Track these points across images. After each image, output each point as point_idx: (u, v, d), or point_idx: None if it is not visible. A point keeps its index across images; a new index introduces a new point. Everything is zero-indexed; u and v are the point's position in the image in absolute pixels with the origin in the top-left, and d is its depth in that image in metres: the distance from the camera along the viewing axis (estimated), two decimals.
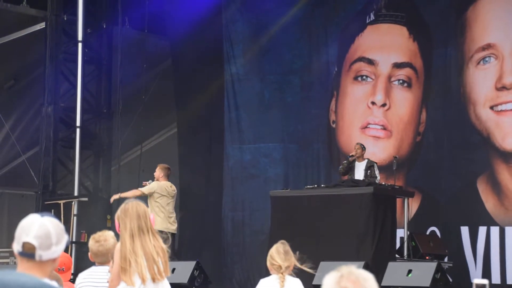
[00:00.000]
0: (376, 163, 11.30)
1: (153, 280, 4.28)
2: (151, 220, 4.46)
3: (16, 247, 2.83)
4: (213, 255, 13.38)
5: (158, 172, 10.96)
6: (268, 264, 5.59)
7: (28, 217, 2.87)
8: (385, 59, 13.10)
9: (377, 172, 11.12)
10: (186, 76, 14.50)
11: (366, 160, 11.34)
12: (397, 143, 12.82)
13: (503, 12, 12.07)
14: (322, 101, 13.61)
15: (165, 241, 4.47)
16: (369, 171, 11.10)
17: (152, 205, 10.71)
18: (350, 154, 11.49)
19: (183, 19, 14.33)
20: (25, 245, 2.79)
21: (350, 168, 11.30)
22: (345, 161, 11.42)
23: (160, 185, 10.84)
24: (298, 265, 5.63)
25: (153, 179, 11.02)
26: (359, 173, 11.17)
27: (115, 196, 10.92)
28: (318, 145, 13.53)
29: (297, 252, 5.68)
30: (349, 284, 2.33)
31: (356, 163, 11.33)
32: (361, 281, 2.31)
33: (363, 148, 11.44)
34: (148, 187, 10.84)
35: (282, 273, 5.51)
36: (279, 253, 5.54)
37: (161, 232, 10.43)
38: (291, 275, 5.62)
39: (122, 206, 4.48)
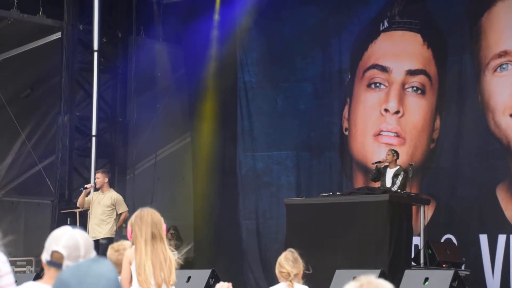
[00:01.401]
0: (404, 172, 11.14)
1: (159, 287, 4.32)
2: (164, 229, 4.49)
3: (45, 256, 2.86)
4: (228, 263, 13.39)
5: (103, 178, 10.78)
6: (277, 271, 5.59)
7: (60, 228, 2.91)
8: (398, 66, 13.09)
9: (399, 181, 11.03)
10: (199, 84, 14.55)
11: (397, 167, 11.28)
12: (410, 150, 12.79)
13: None
14: (334, 109, 13.61)
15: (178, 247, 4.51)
16: (394, 179, 11.06)
17: (111, 213, 10.60)
18: (377, 161, 11.42)
19: (197, 28, 14.39)
20: (53, 254, 2.83)
21: (380, 174, 11.24)
22: (374, 169, 11.39)
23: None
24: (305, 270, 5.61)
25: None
26: (388, 179, 11.14)
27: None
28: (330, 152, 13.53)
29: (309, 266, 5.65)
30: None
31: (388, 169, 11.29)
32: None
33: (393, 153, 11.33)
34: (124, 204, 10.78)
35: (290, 281, 5.48)
36: (288, 260, 5.53)
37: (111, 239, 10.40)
38: (300, 283, 5.59)
39: (138, 212, 4.52)
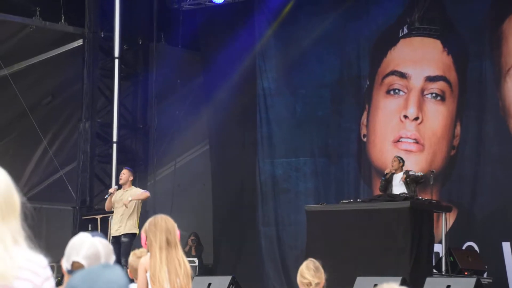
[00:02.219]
0: (411, 172, 11.14)
1: None
2: (178, 235, 4.51)
3: (66, 265, 2.86)
4: (248, 270, 13.38)
5: (129, 175, 10.81)
6: (298, 280, 5.55)
7: (79, 235, 2.91)
8: (418, 73, 13.05)
9: (412, 172, 10.99)
10: (219, 91, 14.57)
11: (403, 171, 11.27)
12: (430, 157, 12.75)
13: None
14: (352, 115, 13.60)
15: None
16: (407, 178, 10.98)
17: (129, 212, 10.58)
18: (385, 172, 11.42)
19: (216, 35, 14.44)
20: (74, 264, 2.83)
21: (388, 183, 11.23)
22: (382, 179, 11.36)
23: None
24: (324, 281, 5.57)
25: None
26: (396, 184, 11.08)
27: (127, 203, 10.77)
28: (348, 159, 13.51)
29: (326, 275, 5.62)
30: None
31: (395, 175, 11.26)
32: None
33: (400, 160, 11.34)
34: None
35: None
36: (309, 269, 5.49)
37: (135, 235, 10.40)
38: None
39: (151, 219, 4.55)
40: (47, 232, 14.81)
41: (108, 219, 12.56)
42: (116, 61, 13.38)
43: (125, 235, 10.47)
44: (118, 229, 10.54)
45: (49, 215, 14.88)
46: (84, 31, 13.34)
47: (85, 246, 2.83)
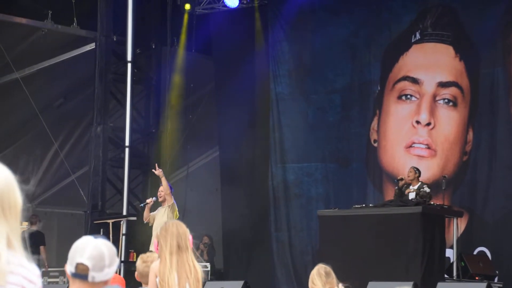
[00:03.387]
0: (426, 185, 11.13)
1: None
2: (190, 240, 4.51)
3: (69, 268, 2.85)
4: (260, 275, 13.37)
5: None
6: (309, 287, 5.54)
7: (82, 238, 2.90)
8: (430, 78, 13.04)
9: (425, 189, 11.00)
10: (230, 95, 14.59)
11: (419, 183, 11.27)
12: (442, 163, 12.72)
13: None
14: (362, 120, 13.59)
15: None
16: (420, 191, 11.01)
17: (167, 218, 10.62)
18: (399, 178, 11.39)
19: (230, 39, 14.46)
20: (78, 266, 2.81)
21: (402, 193, 11.20)
22: (396, 188, 11.35)
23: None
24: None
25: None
26: (411, 197, 11.07)
27: (157, 172, 10.87)
28: (358, 164, 13.51)
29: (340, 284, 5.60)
30: None
31: (410, 186, 11.26)
32: None
33: (416, 171, 11.34)
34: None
35: None
36: (320, 276, 5.48)
37: None
38: None
39: (164, 225, 4.57)
40: (59, 236, 14.85)
41: (120, 224, 12.59)
42: (129, 65, 13.37)
43: None
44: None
45: (61, 219, 14.91)
46: (97, 35, 13.33)
47: (89, 248, 2.82)
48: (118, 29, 13.53)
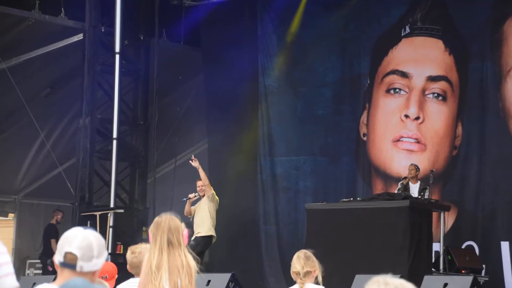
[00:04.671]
0: (428, 186, 11.19)
1: None
2: (183, 235, 4.47)
3: (58, 257, 2.86)
4: (248, 267, 13.37)
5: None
6: (291, 272, 5.55)
7: (71, 229, 2.90)
8: (419, 72, 13.05)
9: (427, 194, 11.07)
10: (218, 88, 14.56)
11: (419, 182, 11.34)
12: (432, 157, 12.74)
13: None
14: (352, 114, 13.60)
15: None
16: (421, 193, 11.08)
17: (207, 209, 10.83)
18: (403, 177, 11.47)
19: (218, 31, 14.41)
20: (67, 255, 2.82)
21: (406, 190, 11.26)
22: (399, 186, 11.39)
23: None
24: (320, 272, 5.54)
25: (193, 191, 11.19)
26: (414, 194, 11.11)
27: (194, 163, 11.02)
28: (348, 158, 13.52)
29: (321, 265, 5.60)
30: None
31: (411, 184, 11.32)
32: None
33: (417, 169, 11.42)
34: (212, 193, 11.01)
35: (301, 278, 5.44)
36: (299, 258, 5.47)
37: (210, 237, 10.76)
38: (313, 281, 5.53)
39: (156, 219, 4.53)
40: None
41: (107, 216, 12.55)
42: (117, 56, 13.29)
43: (195, 239, 10.92)
44: (196, 234, 11.00)
45: (48, 211, 14.85)
46: (85, 26, 13.25)
47: (78, 238, 2.83)
48: (106, 20, 13.45)
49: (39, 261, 14.23)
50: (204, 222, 10.97)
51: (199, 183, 11.07)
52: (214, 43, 14.57)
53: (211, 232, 11.03)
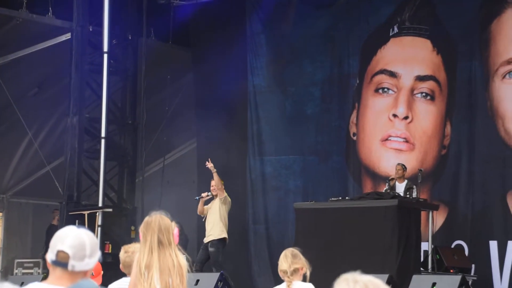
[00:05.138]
0: (415, 185, 11.22)
1: None
2: (174, 234, 4.46)
3: (50, 256, 2.84)
4: (237, 267, 13.36)
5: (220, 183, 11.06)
6: (278, 271, 5.58)
7: (65, 228, 2.88)
8: (407, 72, 13.08)
9: (415, 193, 11.09)
10: (207, 88, 14.54)
11: (406, 181, 11.35)
12: (421, 156, 12.77)
13: None
14: (342, 113, 13.62)
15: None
16: (408, 193, 11.10)
17: (219, 211, 10.78)
18: (390, 178, 11.49)
19: (207, 31, 14.39)
20: (59, 253, 2.80)
21: (392, 190, 11.28)
22: (386, 187, 11.41)
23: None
24: (309, 269, 5.57)
25: (206, 191, 11.18)
26: (400, 193, 11.11)
27: (209, 165, 11.05)
28: (337, 157, 13.53)
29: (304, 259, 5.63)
30: None
31: (397, 183, 11.33)
32: (382, 287, 2.24)
33: (404, 168, 11.43)
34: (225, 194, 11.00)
35: (289, 277, 5.45)
36: (286, 257, 5.50)
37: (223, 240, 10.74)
38: (300, 279, 5.54)
39: (146, 218, 4.51)
40: (34, 227, 14.74)
41: (96, 215, 12.52)
42: (105, 55, 13.26)
43: (212, 244, 10.90)
44: (208, 237, 11.00)
45: (36, 210, 14.80)
46: (72, 25, 13.20)
47: (71, 236, 2.81)
48: (94, 19, 13.40)
49: (28, 260, 14.19)
50: (215, 225, 10.97)
51: (212, 182, 11.07)
52: (202, 43, 14.55)
53: (224, 234, 11.03)
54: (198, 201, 11.16)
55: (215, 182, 11.01)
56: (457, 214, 12.20)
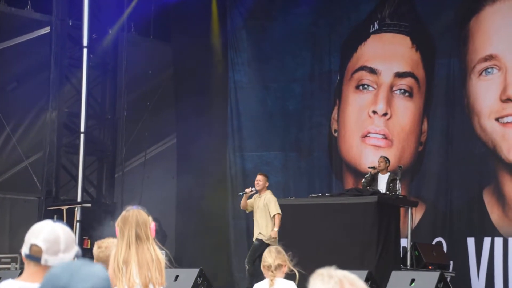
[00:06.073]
0: (398, 177, 11.24)
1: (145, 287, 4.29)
2: (151, 229, 4.46)
3: (24, 249, 2.80)
4: (216, 262, 13.36)
5: (265, 182, 10.78)
6: (261, 267, 5.63)
7: (41, 222, 2.85)
8: (387, 69, 13.14)
9: (398, 186, 11.12)
10: (188, 83, 14.51)
11: (389, 174, 11.36)
12: (398, 153, 12.84)
13: (505, 23, 12.13)
14: (323, 110, 13.65)
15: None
16: (391, 184, 11.12)
17: (266, 215, 10.52)
18: (371, 166, 11.49)
19: (188, 26, 14.35)
20: (32, 247, 2.77)
21: (373, 180, 11.29)
22: (367, 175, 11.41)
23: None
24: (291, 266, 5.63)
25: (250, 185, 11.00)
26: (382, 185, 11.16)
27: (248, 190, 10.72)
28: (319, 153, 13.57)
29: (290, 253, 5.69)
30: None
31: (380, 175, 11.35)
32: (357, 282, 2.25)
33: (386, 161, 11.44)
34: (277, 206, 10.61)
35: (272, 271, 5.49)
36: (271, 252, 5.57)
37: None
38: (282, 276, 5.57)
39: (123, 213, 4.49)
40: (11, 223, 14.61)
41: (75, 210, 12.45)
42: (85, 50, 13.17)
43: (258, 239, 10.57)
44: (259, 234, 10.62)
45: (14, 205, 14.67)
46: (52, 19, 13.09)
47: (45, 230, 2.77)
48: (73, 13, 13.28)
49: (5, 255, 14.07)
50: (267, 225, 10.55)
51: (258, 177, 10.76)
52: (183, 37, 14.50)
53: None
54: (241, 196, 10.92)
55: (261, 177, 10.71)
56: (435, 211, 12.28)
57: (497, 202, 11.72)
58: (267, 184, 10.77)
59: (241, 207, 11.01)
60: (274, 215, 10.52)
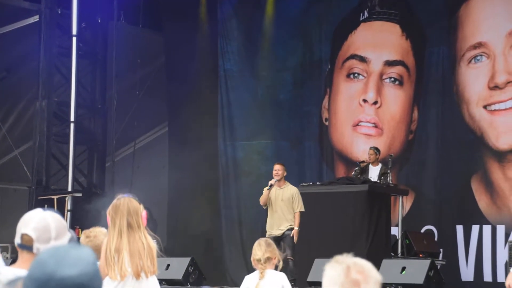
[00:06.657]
0: (389, 171, 11.16)
1: (137, 276, 4.29)
2: (142, 217, 4.46)
3: (16, 239, 2.82)
4: (208, 251, 13.39)
5: (284, 171, 10.20)
6: (251, 260, 5.66)
7: (32, 210, 2.87)
8: (377, 57, 13.14)
9: (389, 179, 11.09)
10: (179, 72, 14.47)
11: (380, 165, 11.33)
12: (388, 141, 12.87)
13: (494, 11, 12.14)
14: (314, 99, 13.64)
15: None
16: (382, 177, 11.11)
17: (290, 208, 10.06)
18: (361, 160, 11.48)
19: (178, 15, 14.29)
20: (23, 236, 2.78)
21: (364, 172, 11.26)
22: (357, 168, 11.36)
23: None
24: (281, 258, 5.66)
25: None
26: (373, 177, 11.13)
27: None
28: (310, 142, 13.57)
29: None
30: (359, 275, 2.24)
31: (371, 166, 11.33)
32: (367, 271, 2.25)
33: (376, 152, 11.39)
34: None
35: (262, 264, 5.53)
36: (260, 245, 5.61)
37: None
38: (273, 268, 5.62)
39: (114, 202, 4.48)
40: (1, 212, 14.59)
41: (65, 200, 12.43)
42: (74, 39, 13.10)
43: (289, 229, 9.94)
44: (279, 228, 10.03)
45: (4, 195, 14.65)
46: (41, 7, 13.02)
47: (35, 219, 2.79)
48: (63, 1, 13.21)
49: None
50: (292, 218, 10.04)
51: (277, 166, 10.13)
52: (174, 26, 14.44)
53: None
54: (268, 190, 10.16)
55: (280, 166, 10.11)
56: (425, 199, 12.33)
57: (485, 189, 11.78)
58: (285, 174, 10.16)
59: (262, 203, 10.20)
60: (297, 212, 9.99)
